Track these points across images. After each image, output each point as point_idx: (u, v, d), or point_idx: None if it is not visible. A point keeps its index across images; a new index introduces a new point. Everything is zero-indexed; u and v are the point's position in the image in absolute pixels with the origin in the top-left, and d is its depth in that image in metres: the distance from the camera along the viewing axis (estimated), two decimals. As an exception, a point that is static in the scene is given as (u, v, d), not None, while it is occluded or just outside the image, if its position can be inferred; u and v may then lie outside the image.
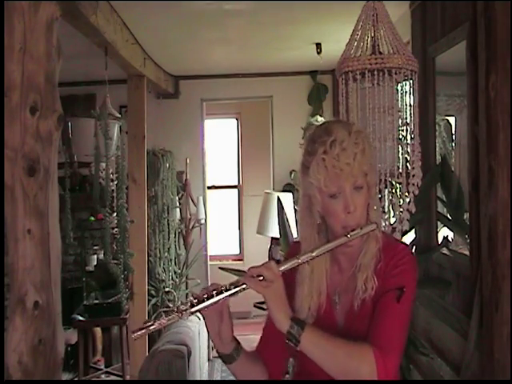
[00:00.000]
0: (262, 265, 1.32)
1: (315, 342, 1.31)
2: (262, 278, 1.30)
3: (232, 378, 1.53)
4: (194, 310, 1.31)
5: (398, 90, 2.15)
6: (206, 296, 1.32)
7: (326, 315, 1.45)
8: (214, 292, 1.32)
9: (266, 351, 1.53)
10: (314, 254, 1.37)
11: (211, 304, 1.32)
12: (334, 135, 1.36)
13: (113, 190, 3.69)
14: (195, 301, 1.32)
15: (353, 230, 1.37)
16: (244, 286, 1.32)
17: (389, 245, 1.46)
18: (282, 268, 1.34)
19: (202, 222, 5.70)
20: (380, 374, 1.29)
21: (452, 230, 2.72)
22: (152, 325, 1.29)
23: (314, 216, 1.43)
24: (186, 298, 5.21)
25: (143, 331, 1.29)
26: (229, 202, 7.43)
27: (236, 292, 1.33)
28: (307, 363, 1.37)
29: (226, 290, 1.32)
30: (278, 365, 1.52)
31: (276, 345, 1.47)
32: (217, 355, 1.48)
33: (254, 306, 5.22)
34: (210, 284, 1.39)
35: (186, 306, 1.31)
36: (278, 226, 2.96)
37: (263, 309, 4.33)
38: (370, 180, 1.41)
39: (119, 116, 3.84)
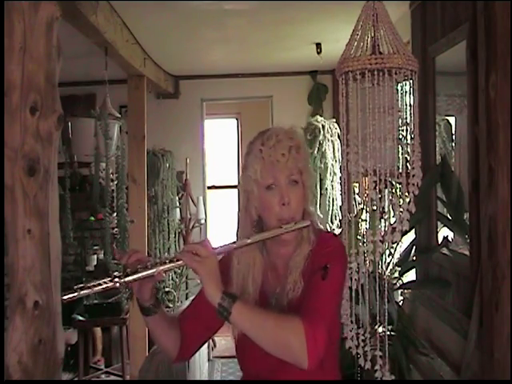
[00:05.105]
0: (199, 242, 1.38)
1: (245, 313, 1.34)
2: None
3: (232, 377, 1.53)
4: (127, 279, 1.34)
5: (398, 89, 2.15)
6: (140, 267, 1.35)
7: None
8: (149, 264, 1.36)
9: (187, 321, 1.56)
10: (248, 241, 1.42)
11: (145, 276, 1.35)
12: (270, 131, 1.51)
13: (113, 190, 3.69)
14: (129, 271, 1.35)
15: (287, 223, 1.43)
16: (179, 262, 1.35)
17: (317, 241, 1.51)
18: (217, 250, 1.39)
19: (202, 221, 5.70)
20: (309, 344, 1.32)
21: (452, 230, 2.72)
22: (83, 288, 1.30)
23: (252, 213, 1.50)
24: (186, 298, 5.21)
25: (74, 294, 1.30)
26: (229, 202, 7.43)
27: (171, 267, 1.36)
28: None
29: (162, 264, 1.36)
30: (192, 338, 1.55)
31: (198, 319, 1.53)
32: (217, 355, 1.49)
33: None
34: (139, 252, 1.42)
35: (120, 275, 1.34)
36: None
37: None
38: (306, 180, 1.49)
39: (119, 116, 3.85)
